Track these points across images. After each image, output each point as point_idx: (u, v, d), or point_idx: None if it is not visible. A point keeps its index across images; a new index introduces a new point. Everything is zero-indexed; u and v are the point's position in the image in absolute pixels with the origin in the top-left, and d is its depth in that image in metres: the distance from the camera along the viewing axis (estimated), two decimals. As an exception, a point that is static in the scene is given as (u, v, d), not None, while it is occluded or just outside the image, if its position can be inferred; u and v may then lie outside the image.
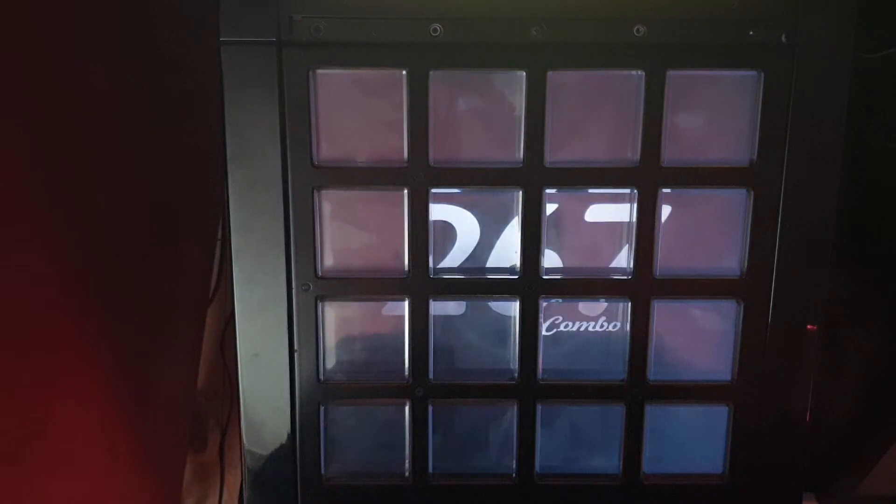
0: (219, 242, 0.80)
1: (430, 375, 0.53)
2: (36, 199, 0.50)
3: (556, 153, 0.50)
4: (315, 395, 0.53)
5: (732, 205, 0.51)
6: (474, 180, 0.51)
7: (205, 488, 0.88)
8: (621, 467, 0.54)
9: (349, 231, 0.52)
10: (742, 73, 0.49)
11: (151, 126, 0.60)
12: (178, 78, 0.61)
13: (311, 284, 0.51)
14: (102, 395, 0.58)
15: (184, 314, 0.74)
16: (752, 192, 0.50)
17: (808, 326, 0.51)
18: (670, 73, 0.49)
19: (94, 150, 0.55)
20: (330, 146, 0.50)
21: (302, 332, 0.52)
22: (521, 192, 0.50)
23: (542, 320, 0.52)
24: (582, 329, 0.53)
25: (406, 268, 0.51)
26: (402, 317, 0.52)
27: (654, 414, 0.53)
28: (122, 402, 0.59)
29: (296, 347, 0.52)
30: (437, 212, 0.51)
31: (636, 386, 0.53)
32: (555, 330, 0.53)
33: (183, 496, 0.84)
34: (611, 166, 0.51)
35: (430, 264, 0.51)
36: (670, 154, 0.50)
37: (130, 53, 0.57)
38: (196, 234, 0.75)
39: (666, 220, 0.51)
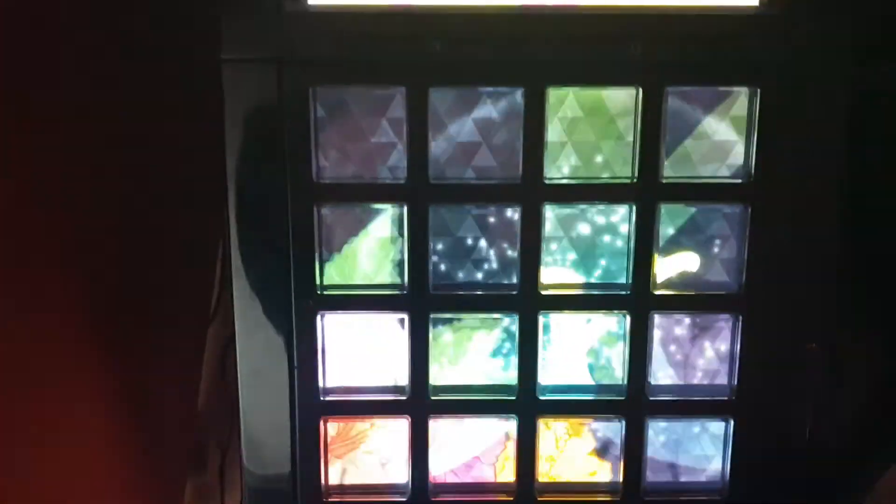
0: (219, 261, 0.80)
1: (429, 391, 0.53)
2: (35, 214, 0.50)
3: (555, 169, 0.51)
4: (315, 411, 0.53)
5: (731, 221, 0.51)
6: (473, 197, 0.51)
7: None
8: (621, 483, 0.54)
9: (349, 251, 0.52)
10: (739, 89, 0.50)
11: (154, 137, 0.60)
12: (177, 90, 0.62)
13: (312, 300, 0.52)
14: (100, 416, 0.57)
15: (183, 334, 0.74)
16: (751, 207, 0.51)
17: (810, 345, 0.51)
18: (668, 89, 0.49)
19: (96, 160, 0.55)
20: (331, 162, 0.51)
21: (303, 348, 0.52)
22: (519, 208, 0.51)
23: (541, 336, 0.52)
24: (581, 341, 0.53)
25: (405, 283, 0.52)
26: (403, 331, 0.52)
27: (655, 429, 0.53)
28: (121, 425, 0.59)
29: (295, 364, 0.52)
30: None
31: (636, 401, 0.53)
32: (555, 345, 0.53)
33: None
34: (609, 182, 0.51)
35: (430, 280, 0.52)
36: (669, 170, 0.51)
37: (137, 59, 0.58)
38: (196, 251, 0.75)
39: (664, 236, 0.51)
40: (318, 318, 0.52)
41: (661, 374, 0.53)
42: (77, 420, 0.56)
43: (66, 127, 0.53)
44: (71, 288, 0.54)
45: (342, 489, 0.55)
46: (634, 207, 0.51)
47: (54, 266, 0.53)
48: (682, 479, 0.54)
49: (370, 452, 0.54)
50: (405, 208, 0.51)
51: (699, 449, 0.54)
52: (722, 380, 0.53)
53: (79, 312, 0.55)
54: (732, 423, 0.53)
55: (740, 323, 0.52)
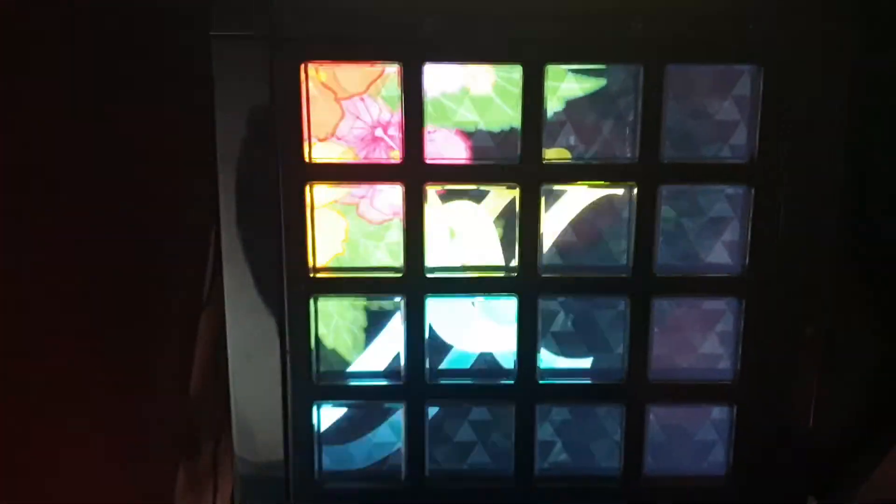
0: (212, 245, 0.79)
1: (427, 375, 0.52)
2: (26, 200, 0.49)
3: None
4: (308, 396, 0.52)
5: (733, 202, 0.50)
6: (471, 177, 0.50)
7: (198, 496, 0.86)
8: (621, 469, 0.53)
9: (343, 231, 0.51)
10: (741, 67, 0.49)
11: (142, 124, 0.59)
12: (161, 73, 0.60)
13: (304, 282, 0.50)
14: (89, 401, 0.56)
15: (176, 319, 0.73)
16: (753, 190, 0.49)
17: (810, 326, 0.50)
18: (669, 67, 0.48)
19: (83, 150, 0.54)
20: (323, 141, 0.49)
21: (295, 331, 0.51)
22: (518, 189, 0.50)
23: (540, 319, 0.51)
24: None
25: (402, 265, 0.51)
26: (398, 314, 0.51)
27: (656, 414, 0.52)
28: (110, 409, 0.58)
29: (288, 348, 0.51)
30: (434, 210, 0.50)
31: (636, 386, 0.52)
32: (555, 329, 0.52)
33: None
34: (609, 162, 0.50)
35: (426, 262, 0.50)
36: (670, 149, 0.49)
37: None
38: (188, 235, 0.74)
39: (665, 217, 0.50)
40: (311, 301, 0.51)
41: (663, 359, 0.52)
42: (66, 406, 0.54)
43: (55, 117, 0.51)
44: (61, 274, 0.53)
45: (337, 476, 0.54)
46: (635, 189, 0.50)
47: (45, 253, 0.52)
48: (683, 466, 0.53)
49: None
50: (402, 189, 0.50)
51: (700, 435, 0.53)
52: (724, 365, 0.52)
53: (69, 298, 0.54)
54: (735, 409, 0.52)
55: (743, 306, 0.51)
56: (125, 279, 0.59)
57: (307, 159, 0.49)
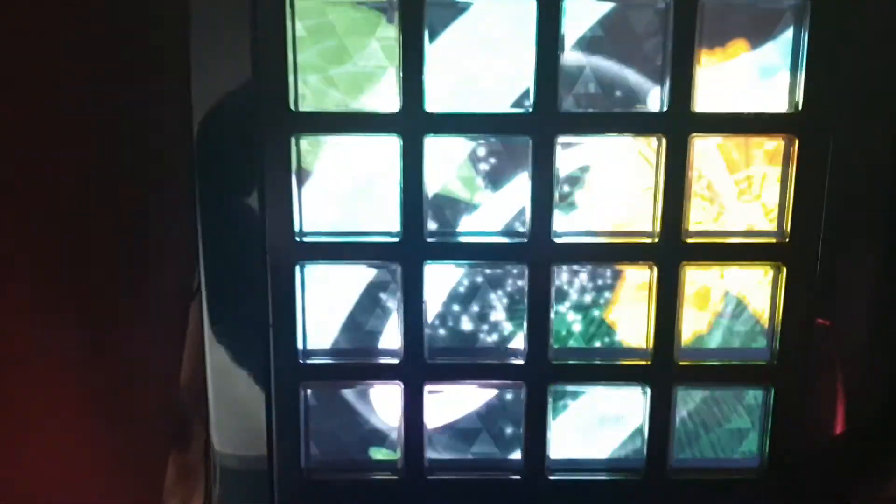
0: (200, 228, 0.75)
1: (426, 354, 0.46)
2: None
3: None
4: (294, 377, 0.46)
5: (773, 157, 0.45)
6: (478, 128, 0.44)
7: (189, 489, 0.83)
8: (645, 460, 0.47)
9: (334, 185, 0.45)
10: (786, 2, 0.43)
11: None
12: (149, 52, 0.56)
13: (289, 247, 0.45)
14: (77, 392, 0.53)
15: (165, 308, 0.69)
16: (798, 142, 0.44)
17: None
18: (704, 1, 0.42)
19: (63, 137, 0.49)
20: (311, 90, 0.44)
21: (280, 304, 0.45)
22: (530, 142, 0.44)
23: (553, 291, 0.45)
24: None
25: (398, 229, 0.45)
26: (394, 285, 0.46)
27: (683, 399, 0.47)
28: (99, 401, 0.54)
29: (271, 322, 0.45)
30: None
31: (661, 366, 0.46)
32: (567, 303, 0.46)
33: (165, 498, 0.79)
34: (635, 112, 0.44)
35: (426, 226, 0.45)
36: (703, 99, 0.44)
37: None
38: (176, 223, 0.70)
39: (697, 174, 0.45)
40: (297, 268, 0.45)
41: (691, 336, 0.46)
42: (54, 398, 0.51)
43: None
44: (48, 263, 0.50)
45: (325, 467, 0.48)
46: (664, 141, 0.44)
47: (30, 241, 0.48)
48: (714, 456, 0.48)
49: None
50: (400, 142, 0.44)
51: (733, 422, 0.47)
52: (761, 343, 0.46)
53: (57, 288, 0.51)
54: (772, 391, 0.46)
55: (784, 276, 0.45)
56: (114, 266, 0.56)
57: (292, 107, 0.43)
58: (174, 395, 0.76)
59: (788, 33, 0.43)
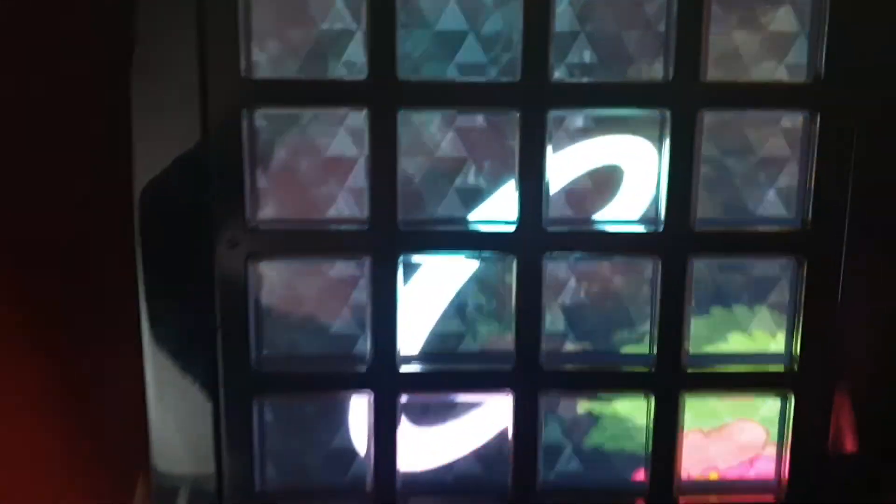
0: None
1: (398, 359, 0.40)
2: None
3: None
4: (245, 388, 0.40)
5: (790, 135, 0.40)
6: (458, 99, 0.39)
7: None
8: (648, 478, 0.42)
9: (291, 170, 0.39)
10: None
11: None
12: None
13: (239, 239, 0.39)
14: (43, 412, 0.49)
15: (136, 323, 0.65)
16: (819, 117, 0.39)
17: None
18: (711, -44, 0.38)
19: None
20: (269, 54, 0.38)
21: (228, 303, 0.39)
22: (518, 116, 0.38)
23: (544, 285, 0.40)
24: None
25: (367, 216, 0.39)
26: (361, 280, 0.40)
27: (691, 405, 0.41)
28: (65, 419, 0.50)
29: (218, 323, 0.39)
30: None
31: (668, 371, 0.41)
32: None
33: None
34: (635, 82, 0.39)
35: (399, 213, 0.39)
36: (713, 67, 0.39)
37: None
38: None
39: (707, 154, 0.39)
40: (248, 261, 0.39)
41: (699, 337, 0.41)
42: (25, 407, 0.48)
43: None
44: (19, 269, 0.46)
45: (283, 493, 0.42)
46: (669, 114, 0.39)
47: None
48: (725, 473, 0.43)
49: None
50: (367, 113, 0.38)
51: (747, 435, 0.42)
52: (778, 345, 0.41)
53: (26, 294, 0.47)
54: (792, 399, 0.41)
55: (804, 269, 0.40)
56: (76, 281, 0.51)
57: (244, 73, 0.38)
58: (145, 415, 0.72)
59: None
